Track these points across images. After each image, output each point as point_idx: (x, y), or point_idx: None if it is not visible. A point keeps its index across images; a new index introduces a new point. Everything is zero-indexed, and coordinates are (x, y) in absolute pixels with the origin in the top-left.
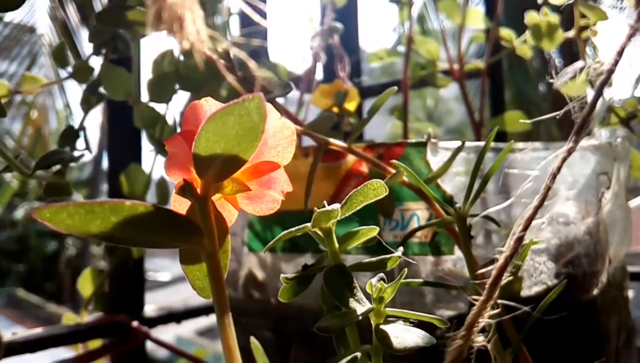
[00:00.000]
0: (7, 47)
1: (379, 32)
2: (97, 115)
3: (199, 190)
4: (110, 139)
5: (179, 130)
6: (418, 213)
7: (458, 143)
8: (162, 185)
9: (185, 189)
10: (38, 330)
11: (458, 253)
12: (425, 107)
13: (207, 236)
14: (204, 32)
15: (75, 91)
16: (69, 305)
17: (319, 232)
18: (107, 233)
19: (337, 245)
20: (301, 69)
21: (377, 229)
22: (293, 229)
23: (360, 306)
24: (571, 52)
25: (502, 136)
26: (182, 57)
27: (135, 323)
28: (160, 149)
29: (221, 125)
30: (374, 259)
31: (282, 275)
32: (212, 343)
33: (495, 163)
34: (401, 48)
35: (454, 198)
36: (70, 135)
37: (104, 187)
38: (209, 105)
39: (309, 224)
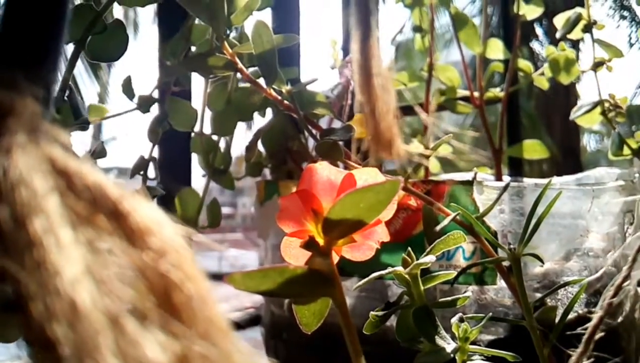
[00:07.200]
0: None
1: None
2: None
3: (320, 243)
4: (161, 162)
5: (231, 157)
6: (463, 245)
7: (502, 183)
8: (214, 208)
9: (311, 245)
10: None
11: (500, 283)
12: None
13: (336, 287)
14: (405, 149)
15: None
16: None
17: (407, 276)
18: (273, 290)
19: (422, 287)
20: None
21: (454, 273)
22: (384, 272)
23: (446, 344)
24: None
25: (517, 164)
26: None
27: None
28: (213, 174)
29: (358, 198)
30: (448, 299)
31: (372, 312)
32: None
33: (548, 206)
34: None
35: (497, 233)
36: (140, 166)
37: None
38: (325, 170)
39: (397, 268)
